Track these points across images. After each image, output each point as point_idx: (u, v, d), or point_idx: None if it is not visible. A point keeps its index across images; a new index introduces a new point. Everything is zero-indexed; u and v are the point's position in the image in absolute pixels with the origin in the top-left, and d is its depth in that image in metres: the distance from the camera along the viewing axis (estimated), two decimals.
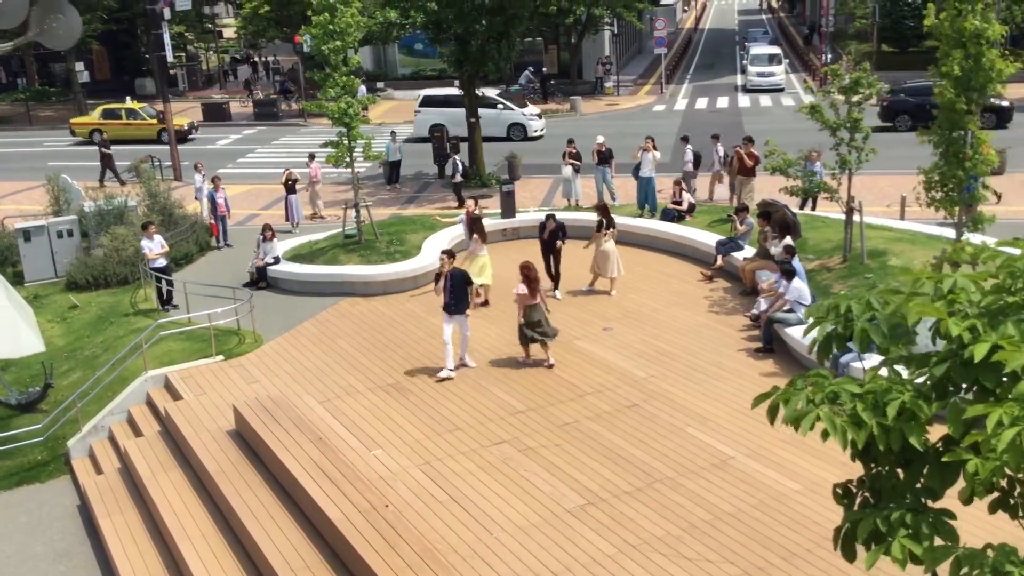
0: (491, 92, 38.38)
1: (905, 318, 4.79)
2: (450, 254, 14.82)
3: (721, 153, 25.23)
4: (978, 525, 6.41)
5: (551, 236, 17.75)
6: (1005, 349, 4.37)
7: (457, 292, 14.54)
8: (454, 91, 39.70)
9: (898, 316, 4.88)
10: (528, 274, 14.50)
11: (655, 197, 23.13)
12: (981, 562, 4.41)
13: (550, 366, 14.76)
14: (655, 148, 23.57)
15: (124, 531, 12.47)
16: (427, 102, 37.88)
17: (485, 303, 17.56)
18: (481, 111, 34.88)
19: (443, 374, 14.60)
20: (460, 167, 27.17)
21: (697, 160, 25.07)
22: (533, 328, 14.60)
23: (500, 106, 37.36)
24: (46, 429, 14.93)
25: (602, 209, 18.04)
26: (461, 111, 36.02)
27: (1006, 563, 4.36)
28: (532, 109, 38.94)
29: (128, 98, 44.55)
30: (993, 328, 4.55)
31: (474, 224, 17.81)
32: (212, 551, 11.38)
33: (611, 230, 17.69)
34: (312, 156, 27.20)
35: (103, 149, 32.48)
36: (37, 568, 12.32)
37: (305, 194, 26.17)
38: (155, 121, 40.38)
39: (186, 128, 40.33)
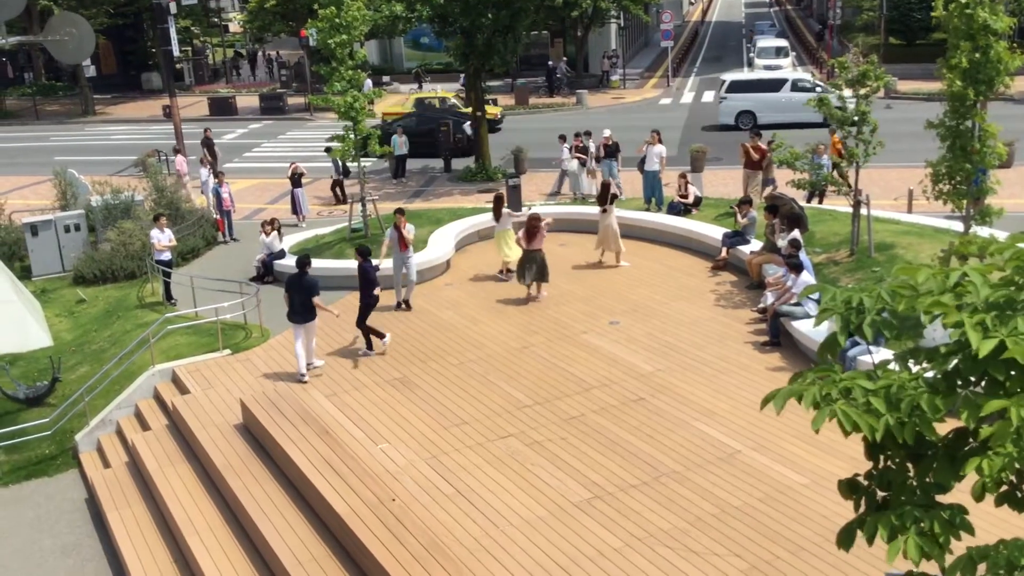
0: (807, 76, 36.71)
1: (916, 312, 4.76)
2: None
3: (592, 149, 25.64)
4: (984, 518, 6.39)
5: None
6: (1012, 347, 4.32)
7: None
8: (763, 75, 37.84)
9: (909, 310, 4.84)
10: (528, 225, 17.14)
11: (661, 191, 23.10)
12: (995, 558, 4.39)
13: (536, 299, 17.43)
14: (661, 142, 23.53)
15: (132, 524, 12.51)
16: (734, 87, 35.18)
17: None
18: (797, 95, 33.82)
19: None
20: (339, 166, 26.99)
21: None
22: (519, 263, 17.50)
23: (819, 89, 33.81)
24: (54, 423, 14.97)
25: (604, 186, 19.52)
26: (771, 96, 34.97)
27: (1021, 558, 4.34)
28: (844, 93, 36.53)
29: (438, 87, 43.05)
30: (1002, 323, 4.51)
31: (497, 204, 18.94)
32: (220, 544, 11.41)
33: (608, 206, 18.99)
34: (176, 151, 28.02)
35: (209, 144, 32.13)
36: (45, 562, 12.36)
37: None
38: (471, 109, 38.27)
39: (499, 116, 37.89)
